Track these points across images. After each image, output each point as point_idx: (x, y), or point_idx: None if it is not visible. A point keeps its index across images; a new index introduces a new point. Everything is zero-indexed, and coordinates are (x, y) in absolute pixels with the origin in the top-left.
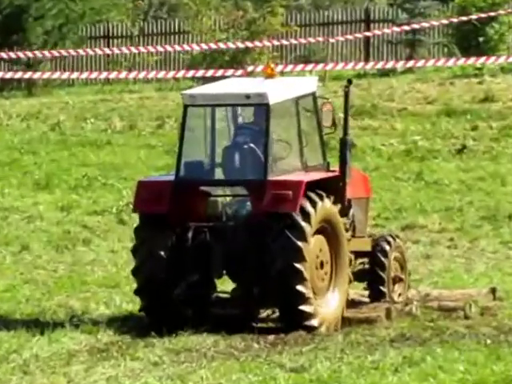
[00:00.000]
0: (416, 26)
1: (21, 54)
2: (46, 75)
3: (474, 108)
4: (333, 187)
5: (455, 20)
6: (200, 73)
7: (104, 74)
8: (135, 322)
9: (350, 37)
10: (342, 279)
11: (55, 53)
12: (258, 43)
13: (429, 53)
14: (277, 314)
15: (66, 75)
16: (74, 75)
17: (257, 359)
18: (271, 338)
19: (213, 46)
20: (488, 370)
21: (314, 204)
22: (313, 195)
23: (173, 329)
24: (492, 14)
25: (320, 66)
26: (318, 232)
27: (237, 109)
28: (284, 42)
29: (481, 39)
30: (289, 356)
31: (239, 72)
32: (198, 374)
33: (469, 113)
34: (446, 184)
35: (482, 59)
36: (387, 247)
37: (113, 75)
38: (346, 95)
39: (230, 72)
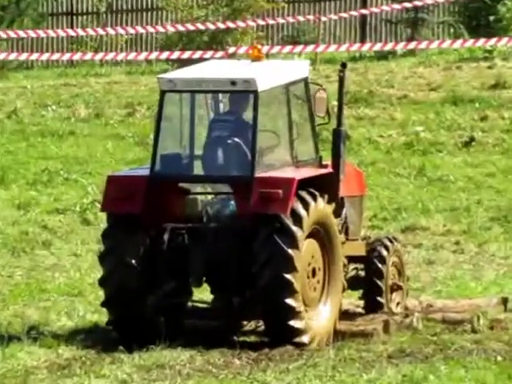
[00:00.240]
0: (418, 3)
1: None
2: (2, 56)
3: (483, 95)
4: (326, 185)
5: None
6: (175, 54)
7: (67, 56)
8: (101, 335)
9: (344, 15)
10: (335, 288)
11: (11, 33)
12: (240, 22)
13: (433, 33)
14: (262, 326)
15: (23, 56)
16: (34, 56)
17: (238, 377)
18: (254, 353)
19: (190, 26)
20: None
21: (306, 205)
22: (305, 195)
23: (143, 343)
24: None
25: (310, 48)
26: (309, 236)
27: (219, 95)
28: (270, 20)
29: (491, 18)
30: (274, 374)
31: (219, 54)
32: None
33: (477, 101)
34: (452, 181)
35: (493, 40)
36: (385, 252)
37: (77, 57)
38: (341, 81)
39: (208, 54)
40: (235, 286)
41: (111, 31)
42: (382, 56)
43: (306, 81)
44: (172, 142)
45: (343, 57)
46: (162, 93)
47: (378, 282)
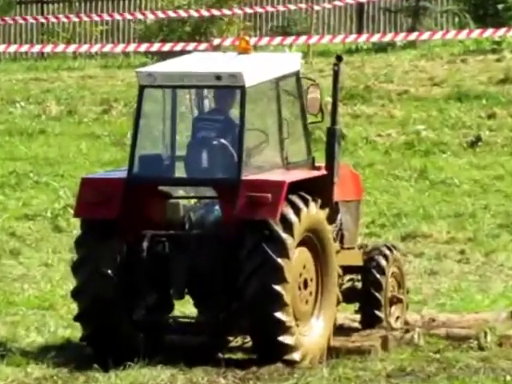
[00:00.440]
0: None
1: None
2: None
3: (490, 91)
4: (319, 188)
5: None
6: (155, 46)
7: (37, 47)
8: (74, 352)
9: (339, 3)
10: (329, 300)
11: None
12: (226, 10)
13: (435, 23)
14: (249, 342)
15: None
16: (0, 48)
17: None
18: (241, 372)
19: (171, 13)
20: None
21: (297, 210)
22: (296, 199)
23: (120, 360)
24: None
25: (302, 40)
26: (301, 244)
27: (204, 91)
28: (258, 9)
29: (500, 6)
30: None
31: (203, 46)
32: None
33: (484, 97)
34: (456, 184)
35: (502, 31)
36: (383, 262)
37: (48, 48)
38: (335, 75)
39: (191, 46)
40: (220, 299)
41: (86, 18)
42: (381, 48)
43: (297, 75)
44: (151, 142)
45: (338, 49)
46: (141, 88)
47: (377, 295)
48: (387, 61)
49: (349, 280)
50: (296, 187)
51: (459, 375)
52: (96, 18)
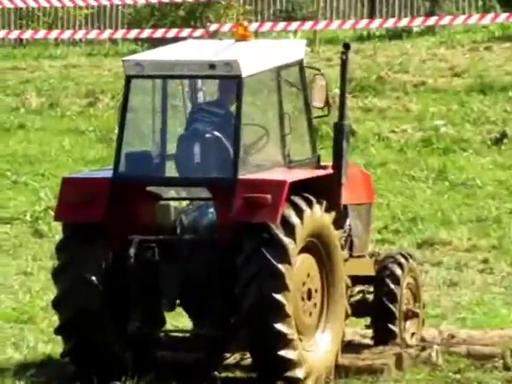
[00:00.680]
0: None
1: None
2: None
3: None
4: (325, 189)
5: None
6: (146, 33)
7: (15, 33)
8: (56, 369)
9: None
10: (336, 313)
11: None
12: None
13: (456, 7)
14: (248, 358)
15: None
16: None
17: None
18: None
19: None
20: None
21: (299, 212)
22: (298, 200)
23: (107, 378)
24: None
25: (308, 25)
26: (304, 250)
27: (197, 82)
28: None
29: None
30: None
31: (198, 32)
32: None
33: (511, 89)
34: (479, 186)
35: None
36: (398, 271)
37: (27, 35)
38: (343, 65)
39: (185, 32)
40: (216, 310)
41: (68, 3)
42: (395, 35)
43: (301, 64)
44: (139, 138)
45: (348, 36)
46: (128, 78)
47: (391, 307)
48: (402, 49)
49: (359, 292)
50: (299, 188)
51: None
52: (80, 2)
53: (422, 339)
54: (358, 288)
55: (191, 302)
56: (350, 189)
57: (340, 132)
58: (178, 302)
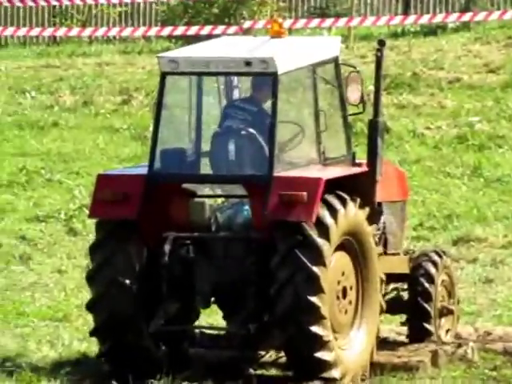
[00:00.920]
0: None
1: None
2: None
3: None
4: (359, 187)
5: None
6: (179, 30)
7: (49, 31)
8: (91, 368)
9: None
10: (371, 310)
11: None
12: None
13: (491, 3)
14: (283, 357)
15: None
16: (8, 32)
17: None
18: None
19: None
20: None
21: (334, 212)
22: (332, 199)
23: (142, 377)
24: None
25: (342, 22)
26: (339, 248)
27: (232, 79)
28: None
29: None
30: None
31: (232, 29)
32: None
33: None
34: None
35: None
36: (433, 269)
37: (61, 32)
38: (378, 61)
39: (219, 29)
40: (250, 309)
41: (102, 1)
42: (430, 31)
43: (336, 61)
44: (175, 136)
45: (382, 32)
46: (163, 75)
47: (425, 305)
48: (437, 45)
49: (393, 289)
50: (334, 185)
51: None
52: (114, 1)
53: (458, 336)
54: (392, 286)
55: (225, 300)
56: (385, 186)
57: (375, 129)
58: (212, 299)
